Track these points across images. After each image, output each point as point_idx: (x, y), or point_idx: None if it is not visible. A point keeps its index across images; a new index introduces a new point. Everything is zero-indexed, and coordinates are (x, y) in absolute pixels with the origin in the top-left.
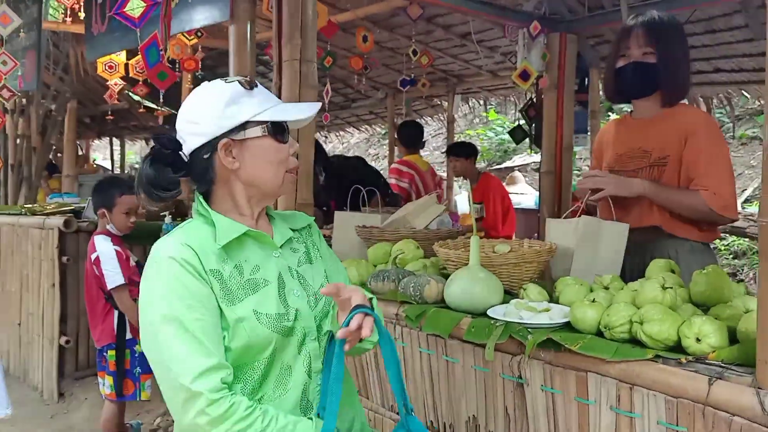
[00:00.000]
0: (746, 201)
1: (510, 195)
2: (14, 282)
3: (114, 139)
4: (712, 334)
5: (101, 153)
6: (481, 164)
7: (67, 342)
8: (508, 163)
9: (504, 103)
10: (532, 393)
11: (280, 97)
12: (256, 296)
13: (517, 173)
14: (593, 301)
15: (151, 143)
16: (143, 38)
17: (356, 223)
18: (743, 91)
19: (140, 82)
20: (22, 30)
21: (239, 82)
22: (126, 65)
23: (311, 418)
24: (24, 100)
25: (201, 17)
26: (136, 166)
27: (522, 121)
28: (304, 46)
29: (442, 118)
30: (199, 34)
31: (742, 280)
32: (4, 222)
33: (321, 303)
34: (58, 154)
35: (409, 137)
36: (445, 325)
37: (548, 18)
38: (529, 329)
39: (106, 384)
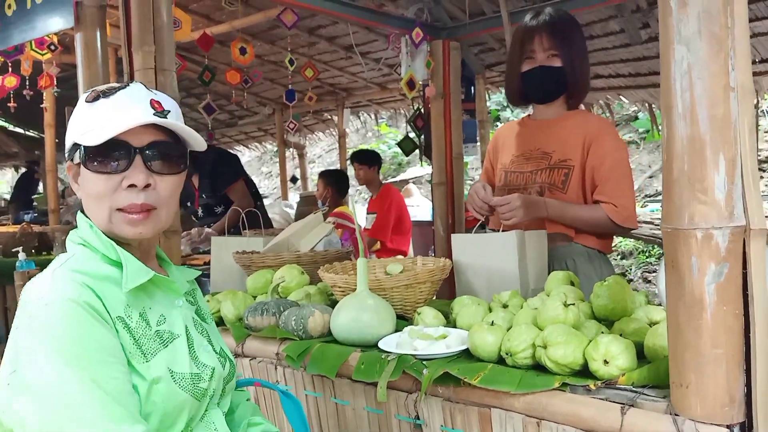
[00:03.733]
0: None
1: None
2: None
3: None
4: (620, 354)
5: None
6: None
7: None
8: (402, 176)
9: (395, 116)
10: None
11: None
12: (166, 352)
13: (411, 186)
14: (492, 323)
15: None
16: None
17: (234, 248)
18: (621, 97)
19: None
20: None
21: (90, 94)
22: None
23: None
24: None
25: (42, 25)
26: (6, 196)
27: (411, 133)
28: (159, 52)
29: (333, 132)
30: (53, 47)
31: (631, 280)
32: None
33: (228, 365)
34: None
35: (342, 186)
36: (332, 364)
37: (430, 25)
38: (423, 362)
39: None
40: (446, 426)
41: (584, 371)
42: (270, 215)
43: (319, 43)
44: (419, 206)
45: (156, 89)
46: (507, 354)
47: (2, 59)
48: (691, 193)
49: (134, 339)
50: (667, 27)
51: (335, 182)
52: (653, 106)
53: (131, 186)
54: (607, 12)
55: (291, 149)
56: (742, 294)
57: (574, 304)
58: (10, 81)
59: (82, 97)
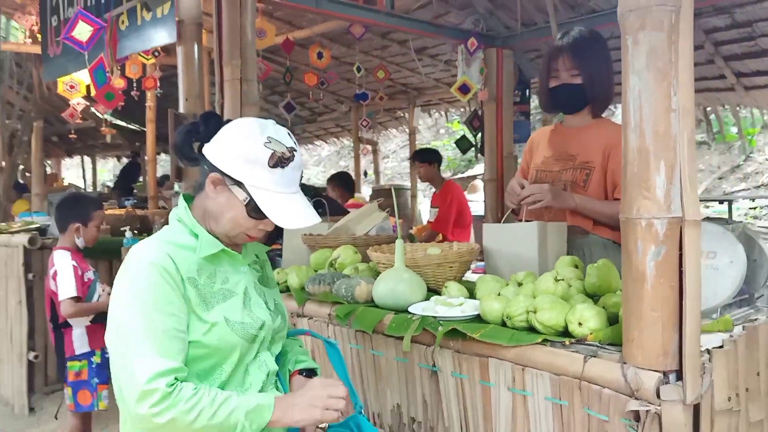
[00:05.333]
0: None
1: (471, 202)
2: None
3: (85, 157)
4: (591, 318)
5: (75, 171)
6: (447, 173)
7: (36, 357)
8: (470, 172)
9: (465, 114)
10: (444, 379)
11: (222, 113)
12: (225, 305)
13: (477, 182)
14: (499, 294)
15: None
16: (90, 60)
17: (303, 231)
18: None
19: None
20: None
21: (271, 155)
22: (88, 85)
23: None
24: None
25: (149, 40)
26: (109, 183)
27: (468, 132)
28: (244, 65)
29: (406, 129)
30: (156, 53)
31: None
32: None
33: (278, 319)
34: (27, 174)
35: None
36: (370, 322)
37: (485, 35)
38: (441, 322)
39: (66, 395)
40: (455, 372)
41: (565, 332)
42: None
43: (391, 46)
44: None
45: (241, 96)
46: (507, 317)
47: (117, 66)
48: (638, 191)
49: (200, 294)
50: (625, 61)
51: (342, 184)
52: (719, 108)
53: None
54: None
55: (365, 145)
56: (678, 270)
57: (563, 280)
58: (119, 83)
59: (266, 152)
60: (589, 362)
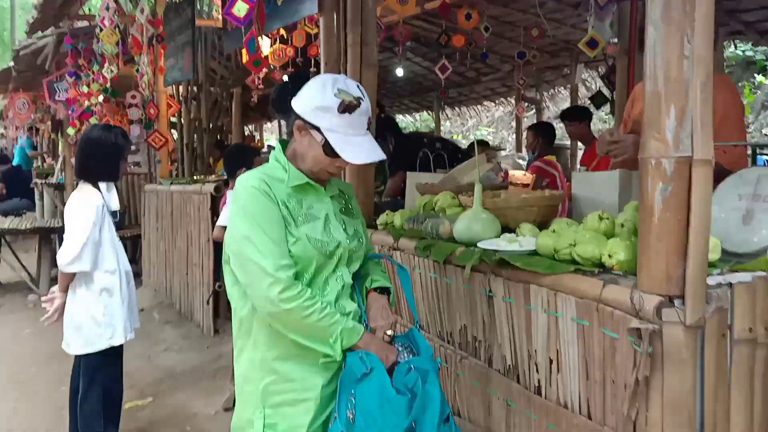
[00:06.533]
0: None
1: None
2: (182, 239)
3: (282, 121)
4: (619, 251)
5: (275, 134)
6: None
7: (219, 286)
8: None
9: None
10: (497, 303)
11: (346, 72)
12: (309, 225)
13: None
14: (553, 231)
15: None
16: (245, 33)
17: (418, 181)
18: None
19: (276, 69)
20: (179, 29)
21: (340, 103)
22: (266, 56)
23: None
24: (195, 89)
25: (294, 12)
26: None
27: (604, 88)
28: (364, 30)
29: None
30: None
31: None
32: (176, 189)
33: (355, 242)
34: (229, 135)
35: (550, 137)
36: (443, 253)
37: None
38: (495, 253)
39: None
40: (505, 296)
41: (601, 264)
42: (503, 166)
43: (547, 3)
44: None
45: (361, 60)
46: (555, 251)
47: (285, 34)
48: (651, 133)
49: (290, 214)
50: (647, 13)
51: (544, 133)
52: None
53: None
54: None
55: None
56: (686, 206)
57: (608, 218)
58: (289, 51)
59: (335, 100)
60: (606, 288)
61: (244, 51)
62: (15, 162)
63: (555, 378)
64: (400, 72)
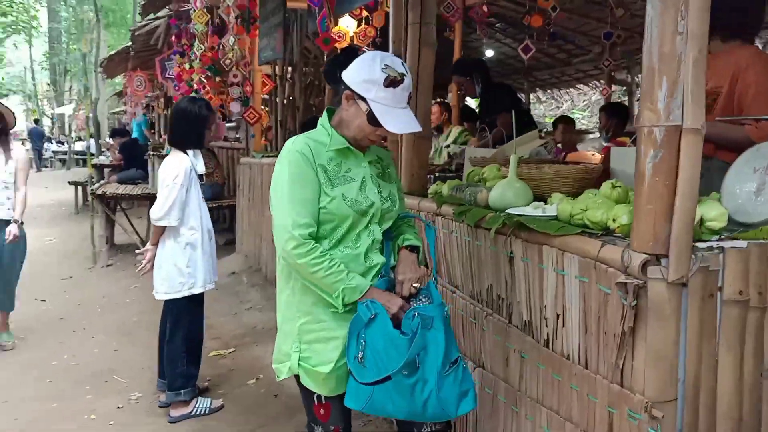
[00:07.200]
0: None
1: None
2: (268, 208)
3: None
4: (623, 216)
5: None
6: None
7: None
8: None
9: None
10: (516, 264)
11: (405, 55)
12: (345, 186)
13: None
14: (573, 198)
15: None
16: (318, 14)
17: (474, 154)
18: None
19: (361, 48)
20: (273, 11)
21: (386, 78)
22: (352, 36)
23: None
24: (290, 68)
25: None
26: None
27: None
28: (424, 10)
29: None
30: None
31: None
32: (266, 162)
33: (388, 203)
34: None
35: (624, 118)
36: (474, 218)
37: None
38: (515, 217)
39: None
40: (523, 257)
41: (608, 228)
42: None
43: None
44: None
45: (420, 38)
46: (570, 216)
47: (366, 13)
48: (645, 104)
49: (327, 176)
50: None
51: (616, 114)
52: None
53: (379, 134)
54: None
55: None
56: (675, 172)
57: (620, 187)
58: (370, 32)
59: (380, 75)
60: (604, 248)
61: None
62: (133, 136)
63: (560, 332)
64: (490, 53)
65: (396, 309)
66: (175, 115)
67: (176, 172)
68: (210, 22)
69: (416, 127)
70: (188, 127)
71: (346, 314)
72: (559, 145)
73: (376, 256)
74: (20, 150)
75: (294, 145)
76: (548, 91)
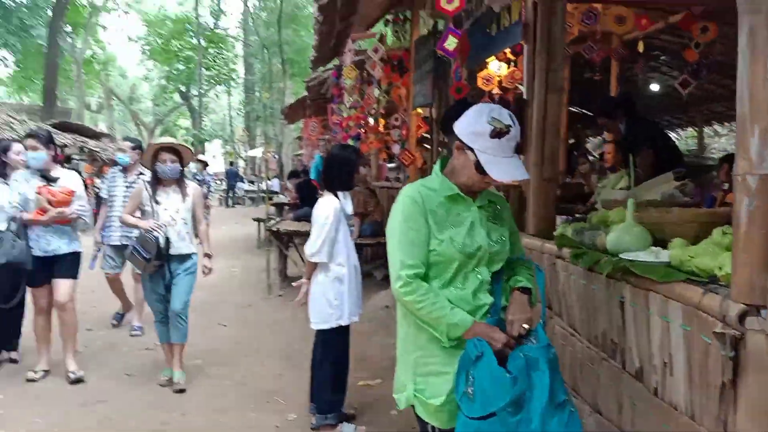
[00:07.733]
0: None
1: None
2: None
3: None
4: (728, 264)
5: None
6: None
7: None
8: None
9: None
10: (627, 309)
11: (531, 100)
12: (454, 230)
13: None
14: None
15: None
16: (451, 65)
17: (607, 197)
18: None
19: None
20: (425, 59)
21: (492, 130)
22: (500, 79)
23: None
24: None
25: (500, 43)
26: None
27: None
28: (550, 58)
29: None
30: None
31: None
32: None
33: (497, 246)
34: None
35: None
36: (588, 262)
37: None
38: (624, 262)
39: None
40: (632, 303)
41: (715, 276)
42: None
43: None
44: None
45: (547, 84)
46: (680, 262)
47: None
48: (739, 152)
49: (436, 221)
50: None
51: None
52: None
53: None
54: None
55: None
56: None
57: (730, 233)
58: (517, 74)
59: (487, 127)
60: (706, 296)
61: (479, 76)
62: (312, 177)
63: (668, 380)
64: (655, 87)
65: (500, 345)
66: (327, 161)
67: (327, 212)
68: (359, 75)
69: (523, 175)
70: (337, 172)
71: (457, 350)
72: (726, 185)
73: (485, 296)
74: (194, 186)
75: (408, 191)
76: (725, 124)
